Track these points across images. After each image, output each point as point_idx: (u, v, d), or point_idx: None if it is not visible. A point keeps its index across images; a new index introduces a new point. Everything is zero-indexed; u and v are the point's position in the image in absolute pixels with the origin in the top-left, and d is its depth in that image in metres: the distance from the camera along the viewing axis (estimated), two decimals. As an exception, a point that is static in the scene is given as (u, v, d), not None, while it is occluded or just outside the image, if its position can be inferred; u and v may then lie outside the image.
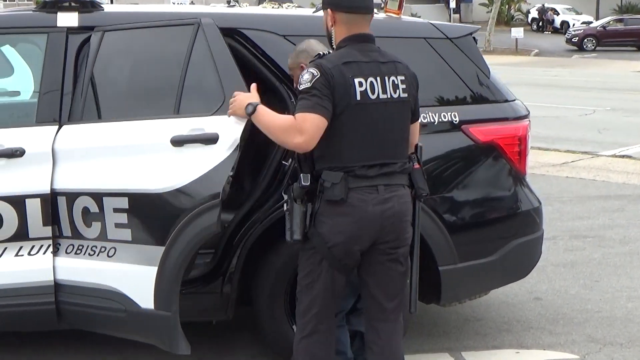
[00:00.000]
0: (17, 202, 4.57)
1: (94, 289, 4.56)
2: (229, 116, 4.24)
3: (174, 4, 22.99)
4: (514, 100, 5.45)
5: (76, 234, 4.60)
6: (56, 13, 4.89)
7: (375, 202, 3.94)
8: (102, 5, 5.02)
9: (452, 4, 48.28)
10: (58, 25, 4.88)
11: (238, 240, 4.90)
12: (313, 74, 3.87)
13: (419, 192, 4.13)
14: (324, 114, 3.84)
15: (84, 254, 4.60)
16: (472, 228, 5.19)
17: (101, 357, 5.30)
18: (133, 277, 4.43)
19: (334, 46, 4.07)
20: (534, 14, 54.65)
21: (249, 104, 4.06)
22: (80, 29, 4.89)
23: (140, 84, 4.88)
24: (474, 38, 5.47)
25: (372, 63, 3.99)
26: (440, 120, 5.10)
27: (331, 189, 3.90)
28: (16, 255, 4.63)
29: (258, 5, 6.50)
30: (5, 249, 4.63)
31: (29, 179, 4.59)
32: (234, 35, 5.01)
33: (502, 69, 20.00)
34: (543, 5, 53.46)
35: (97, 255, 4.56)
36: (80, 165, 4.58)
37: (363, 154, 3.94)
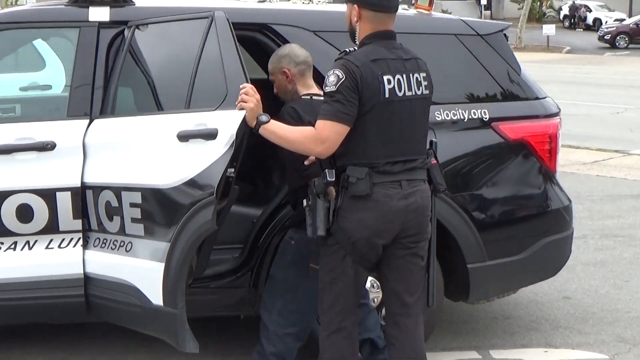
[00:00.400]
0: (48, 195, 4.60)
1: (116, 283, 4.58)
2: (240, 108, 4.13)
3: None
4: (545, 97, 5.42)
5: (102, 228, 4.64)
6: (88, 8, 4.91)
7: (399, 197, 3.96)
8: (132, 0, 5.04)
9: (483, 1, 48.05)
10: (90, 19, 4.91)
11: (267, 235, 4.91)
12: (339, 76, 3.87)
13: (437, 187, 4.15)
14: (345, 121, 3.86)
15: (108, 248, 4.63)
16: (501, 226, 5.17)
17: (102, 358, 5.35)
18: (146, 272, 4.41)
19: (357, 42, 4.07)
20: (565, 10, 54.26)
21: (262, 114, 4.05)
22: (112, 24, 4.92)
23: (162, 78, 4.90)
24: (505, 35, 5.45)
25: (398, 60, 4.00)
26: (470, 117, 5.09)
27: (356, 184, 3.91)
28: (47, 247, 4.67)
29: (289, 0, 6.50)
30: (36, 241, 4.67)
31: (59, 172, 4.62)
32: (265, 30, 5.02)
33: (533, 66, 19.89)
34: (574, 1, 53.06)
35: (118, 249, 4.59)
36: (106, 159, 4.61)
37: (388, 150, 3.96)
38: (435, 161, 4.18)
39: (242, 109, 4.10)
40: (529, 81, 5.39)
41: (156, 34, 4.88)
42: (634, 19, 45.78)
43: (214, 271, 5.02)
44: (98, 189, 4.58)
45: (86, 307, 4.70)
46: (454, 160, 5.06)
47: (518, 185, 5.22)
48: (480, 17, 42.03)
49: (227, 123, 4.20)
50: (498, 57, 5.28)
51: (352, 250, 3.99)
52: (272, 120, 4.07)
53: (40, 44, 7.21)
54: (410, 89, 3.99)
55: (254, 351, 4.73)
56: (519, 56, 5.74)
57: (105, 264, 4.61)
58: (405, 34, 5.16)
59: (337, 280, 4.06)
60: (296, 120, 4.34)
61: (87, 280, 4.67)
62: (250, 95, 4.07)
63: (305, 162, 4.30)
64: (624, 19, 47.32)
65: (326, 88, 3.90)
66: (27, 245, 4.66)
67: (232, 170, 4.30)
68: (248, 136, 4.28)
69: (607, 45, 42.79)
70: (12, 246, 4.65)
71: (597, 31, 45.74)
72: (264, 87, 4.54)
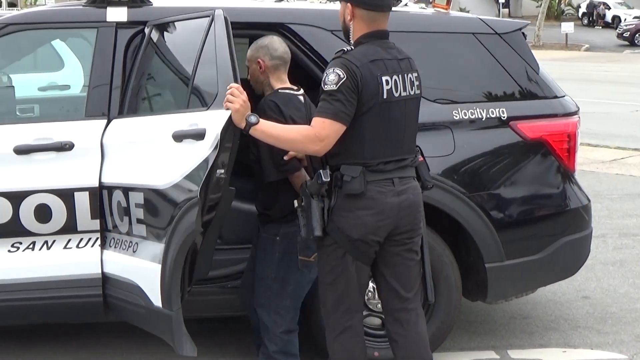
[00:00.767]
0: (66, 195, 4.62)
1: (126, 284, 4.59)
2: (227, 109, 4.02)
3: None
4: (564, 96, 5.39)
5: (115, 228, 4.66)
6: (106, 8, 4.93)
7: (392, 194, 3.99)
8: (150, 0, 5.05)
9: (501, -1, 47.89)
10: (107, 20, 4.92)
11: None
12: (339, 75, 3.86)
13: (425, 184, 4.19)
14: (345, 121, 3.87)
15: (120, 248, 4.65)
16: (519, 225, 5.15)
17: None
18: (148, 274, 4.38)
19: (351, 41, 4.07)
20: (584, 8, 54.00)
21: (251, 115, 3.97)
22: (129, 24, 4.93)
23: (172, 79, 4.91)
24: (523, 33, 5.43)
25: (394, 60, 4.01)
26: (488, 116, 5.07)
27: (350, 182, 3.93)
28: (65, 247, 4.68)
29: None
30: (54, 241, 4.69)
31: (77, 172, 4.64)
32: (282, 30, 5.02)
33: (551, 65, 19.81)
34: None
35: (127, 250, 4.60)
36: (122, 159, 4.62)
37: (383, 150, 3.98)
38: (422, 158, 4.21)
39: (228, 109, 4.02)
40: (548, 80, 5.36)
41: (170, 33, 4.88)
42: (653, 16, 45.50)
43: (231, 271, 5.02)
44: (112, 189, 4.60)
45: (104, 307, 4.72)
46: (472, 160, 5.05)
47: (536, 184, 5.20)
48: (498, 16, 41.88)
49: (214, 123, 4.12)
50: (516, 55, 5.26)
51: (350, 248, 3.99)
52: (262, 120, 4.00)
53: (58, 44, 7.24)
54: (405, 89, 4.01)
55: (260, 352, 4.76)
56: (537, 54, 5.72)
57: (119, 264, 4.63)
58: (423, 32, 5.19)
59: (338, 280, 4.06)
60: (277, 114, 4.34)
61: (105, 280, 4.68)
62: (236, 95, 3.98)
63: (285, 157, 4.30)
64: (643, 17, 47.01)
65: (326, 86, 3.88)
66: (45, 245, 4.68)
67: (222, 171, 4.12)
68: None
69: (626, 42, 42.52)
70: (31, 246, 4.68)
71: (616, 29, 45.45)
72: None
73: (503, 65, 5.20)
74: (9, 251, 4.67)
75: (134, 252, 4.55)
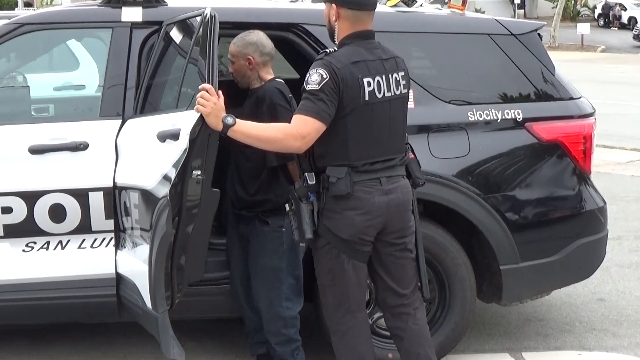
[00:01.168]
0: (81, 195, 4.64)
1: (131, 284, 4.59)
2: (198, 112, 3.94)
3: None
4: (580, 97, 5.37)
5: (124, 228, 4.68)
6: (121, 8, 4.94)
7: (380, 193, 3.99)
8: (165, 0, 5.06)
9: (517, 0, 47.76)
10: (122, 20, 4.93)
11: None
12: (322, 75, 3.87)
13: (416, 181, 4.19)
14: (326, 121, 3.88)
15: (127, 248, 4.67)
16: (534, 227, 5.13)
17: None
18: (141, 274, 4.35)
19: (337, 41, 4.07)
20: (600, 9, 53.79)
21: (227, 116, 3.91)
22: (144, 24, 4.94)
23: (179, 79, 4.92)
24: (538, 34, 5.41)
25: (377, 61, 4.01)
26: (503, 117, 5.05)
27: (336, 184, 3.94)
28: (79, 247, 4.69)
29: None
30: (69, 241, 4.70)
31: (92, 172, 4.65)
32: (296, 30, 5.01)
33: (567, 66, 19.73)
34: (606, 0, 52.58)
35: (131, 250, 4.63)
36: (135, 159, 4.62)
37: (368, 152, 3.98)
38: (412, 156, 4.21)
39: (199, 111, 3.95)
40: (563, 81, 5.34)
41: (180, 33, 4.88)
42: (670, 17, 45.30)
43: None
44: (124, 190, 4.61)
45: (118, 307, 4.73)
46: (487, 161, 5.03)
47: (552, 186, 5.17)
48: (514, 16, 41.78)
49: (187, 124, 4.07)
50: (532, 56, 5.24)
51: (343, 247, 4.00)
52: (240, 121, 3.95)
53: (74, 44, 7.26)
54: (389, 89, 4.01)
55: (266, 348, 4.82)
56: (553, 55, 5.69)
57: (127, 264, 4.64)
58: (439, 33, 5.17)
59: (337, 280, 4.07)
60: (284, 102, 4.49)
61: (119, 280, 4.69)
62: (206, 98, 3.90)
63: None
64: (659, 18, 46.81)
65: (308, 86, 3.88)
66: (59, 245, 4.69)
67: (199, 172, 4.05)
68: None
69: (643, 44, 42.33)
70: (45, 246, 4.69)
71: (632, 30, 45.24)
72: (296, 87, 4.52)
73: (518, 66, 5.18)
74: (24, 251, 4.69)
75: (134, 252, 4.57)
